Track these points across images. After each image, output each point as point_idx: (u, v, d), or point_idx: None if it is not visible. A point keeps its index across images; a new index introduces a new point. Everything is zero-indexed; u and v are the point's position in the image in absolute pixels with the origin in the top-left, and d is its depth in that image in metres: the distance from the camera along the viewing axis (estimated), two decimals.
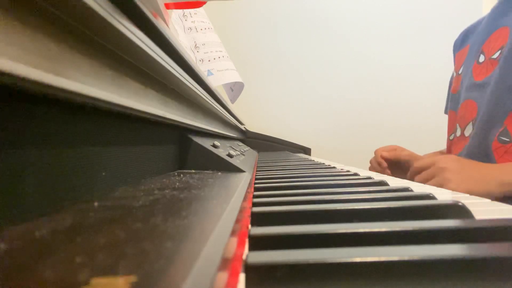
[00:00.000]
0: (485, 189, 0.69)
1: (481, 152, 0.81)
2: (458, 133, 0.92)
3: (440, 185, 0.70)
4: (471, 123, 0.87)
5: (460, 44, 1.03)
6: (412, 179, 0.78)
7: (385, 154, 1.04)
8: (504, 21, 0.83)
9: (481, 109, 0.82)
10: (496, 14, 0.87)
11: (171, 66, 0.31)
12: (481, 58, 0.87)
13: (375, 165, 1.07)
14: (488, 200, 0.35)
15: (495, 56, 0.82)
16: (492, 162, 0.79)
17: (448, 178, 0.70)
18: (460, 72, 0.98)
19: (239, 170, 0.47)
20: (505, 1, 0.85)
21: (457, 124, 0.93)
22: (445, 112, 1.11)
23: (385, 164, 1.04)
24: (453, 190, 0.69)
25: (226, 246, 0.15)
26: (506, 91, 0.77)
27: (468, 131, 0.87)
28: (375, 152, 1.08)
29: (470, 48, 0.94)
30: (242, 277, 0.16)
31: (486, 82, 0.83)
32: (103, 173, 0.26)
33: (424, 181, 0.74)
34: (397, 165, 1.05)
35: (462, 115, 0.90)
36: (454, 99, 0.98)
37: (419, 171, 0.77)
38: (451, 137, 0.98)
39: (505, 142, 0.77)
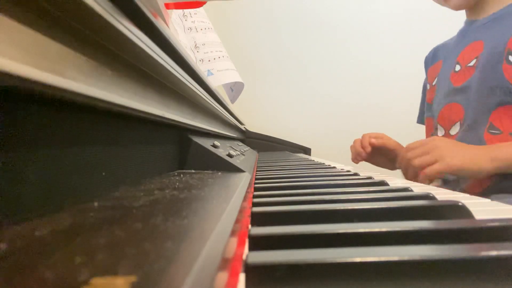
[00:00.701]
0: (477, 163, 0.74)
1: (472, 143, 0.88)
2: (440, 133, 0.99)
3: (435, 161, 0.75)
4: (458, 123, 0.94)
5: (431, 60, 1.16)
6: (403, 160, 0.83)
7: (374, 141, 1.09)
8: (476, 36, 0.95)
9: (468, 109, 0.90)
10: (465, 32, 1.01)
11: (171, 66, 0.31)
12: (457, 68, 0.98)
13: (359, 149, 1.10)
14: (488, 200, 0.35)
15: (471, 63, 0.93)
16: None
17: (442, 155, 0.75)
18: (434, 83, 1.09)
19: (239, 170, 0.47)
20: (470, 22, 1.00)
21: (438, 126, 1.00)
22: (419, 122, 1.22)
23: (369, 149, 1.09)
24: (447, 164, 0.74)
25: (226, 246, 0.15)
26: (488, 91, 0.85)
27: (455, 130, 0.95)
28: (363, 136, 1.11)
29: (444, 62, 1.06)
30: (242, 277, 0.16)
31: (466, 86, 0.92)
32: (103, 173, 0.26)
33: (418, 157, 0.78)
34: (381, 152, 1.10)
35: (447, 117, 0.97)
36: (430, 108, 1.08)
37: (413, 148, 0.81)
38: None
39: (496, 133, 0.84)
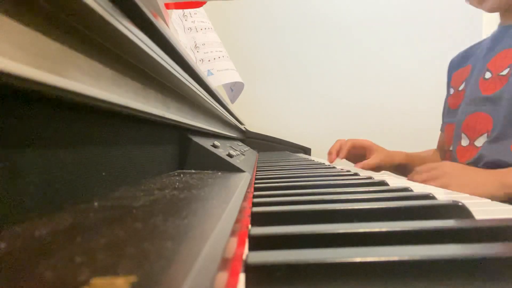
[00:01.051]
0: (487, 191, 0.71)
1: (497, 159, 0.84)
2: (465, 143, 0.95)
3: (441, 187, 0.71)
4: (485, 134, 0.90)
5: (457, 64, 1.09)
6: (412, 178, 0.80)
7: (349, 151, 1.06)
8: (511, 43, 0.90)
9: (498, 121, 0.87)
10: (498, 37, 0.95)
11: (171, 66, 0.31)
12: (487, 75, 0.92)
13: (337, 147, 1.08)
14: (488, 200, 0.35)
15: (503, 72, 0.88)
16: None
17: (451, 183, 0.72)
18: (460, 88, 1.04)
19: (239, 170, 0.47)
20: (504, 27, 0.94)
21: (463, 134, 0.96)
22: (442, 130, 1.16)
23: (343, 156, 1.06)
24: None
25: (226, 246, 0.15)
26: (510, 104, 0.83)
27: (480, 142, 0.91)
28: (342, 146, 1.08)
29: (473, 67, 1.00)
30: (242, 277, 0.16)
31: (497, 96, 0.88)
32: (103, 173, 0.26)
33: (424, 182, 0.75)
34: (356, 150, 1.08)
35: (472, 127, 0.93)
36: (453, 114, 1.03)
37: (421, 171, 0.79)
38: (452, 148, 1.01)
39: None
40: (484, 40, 1.03)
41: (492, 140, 0.86)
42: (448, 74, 1.14)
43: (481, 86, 0.94)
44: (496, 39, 0.97)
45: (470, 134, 0.94)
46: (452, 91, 1.09)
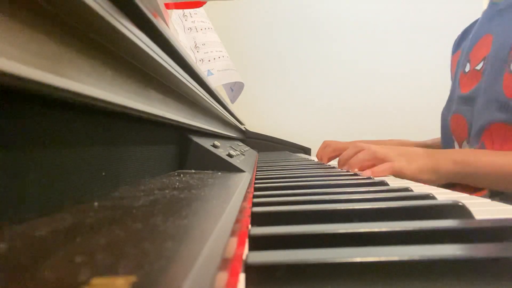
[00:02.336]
0: (436, 164, 0.64)
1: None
2: (457, 147, 0.85)
3: (392, 171, 0.63)
4: (465, 141, 0.80)
5: (456, 46, 0.97)
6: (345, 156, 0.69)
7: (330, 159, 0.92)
8: (488, 28, 0.78)
9: (471, 126, 0.76)
10: (484, 19, 0.81)
11: (171, 66, 0.31)
12: (467, 68, 0.81)
13: (320, 154, 0.94)
14: (488, 200, 0.35)
15: (478, 67, 0.77)
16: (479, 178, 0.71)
17: (397, 164, 0.63)
18: (452, 77, 0.94)
19: (239, 170, 0.47)
20: (492, 5, 0.79)
21: (453, 137, 0.86)
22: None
23: (327, 161, 0.93)
24: (406, 171, 0.61)
25: (226, 246, 0.15)
26: (486, 106, 0.72)
27: (466, 147, 0.81)
28: (324, 153, 0.93)
29: (461, 53, 0.89)
30: (242, 277, 0.16)
31: (471, 96, 0.77)
32: (103, 173, 0.26)
33: (364, 160, 0.65)
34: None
35: (456, 131, 0.83)
36: (449, 105, 0.92)
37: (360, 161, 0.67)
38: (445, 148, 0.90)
39: None
40: (478, 18, 0.87)
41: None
42: (451, 57, 0.99)
43: (461, 81, 0.82)
44: (483, 20, 0.82)
45: (457, 138, 0.84)
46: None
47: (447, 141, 0.88)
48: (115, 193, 0.26)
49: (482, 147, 0.71)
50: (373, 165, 0.64)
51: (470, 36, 0.85)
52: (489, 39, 0.76)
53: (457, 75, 0.85)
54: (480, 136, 0.72)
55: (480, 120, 0.72)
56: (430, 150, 0.69)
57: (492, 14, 0.78)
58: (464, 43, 0.90)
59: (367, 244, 0.20)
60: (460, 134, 0.81)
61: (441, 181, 0.65)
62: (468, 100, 0.78)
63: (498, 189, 0.67)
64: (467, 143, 0.78)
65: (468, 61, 0.81)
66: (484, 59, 0.76)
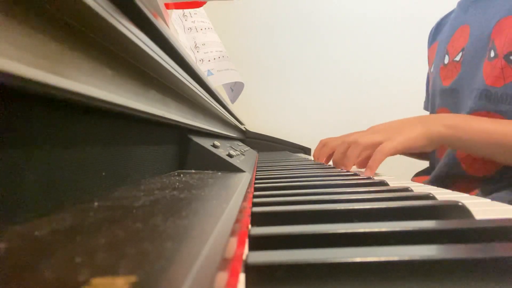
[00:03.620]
0: (427, 129, 0.63)
1: (450, 161, 0.75)
2: None
3: (383, 140, 0.62)
4: None
5: (432, 38, 0.96)
6: (343, 144, 0.69)
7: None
8: (465, 18, 0.77)
9: None
10: (460, 10, 0.81)
11: (171, 66, 0.31)
12: (446, 59, 0.81)
13: (316, 156, 0.91)
14: (488, 200, 0.35)
15: (457, 58, 0.77)
16: (460, 173, 0.72)
17: (388, 144, 0.61)
18: (432, 70, 0.93)
19: (239, 170, 0.47)
20: None
21: None
22: (426, 108, 1.05)
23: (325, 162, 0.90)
24: (398, 146, 0.61)
25: (226, 246, 0.15)
26: (468, 96, 0.72)
27: None
28: (321, 155, 0.90)
29: (439, 45, 0.88)
30: (242, 277, 0.16)
31: (453, 88, 0.78)
32: (103, 173, 0.26)
33: (363, 137, 0.64)
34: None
35: None
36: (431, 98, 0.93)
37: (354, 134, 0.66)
38: None
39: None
40: (454, 9, 0.87)
41: None
42: (428, 49, 1.00)
43: (441, 73, 0.82)
44: (459, 11, 0.81)
45: None
46: (429, 71, 0.96)
47: None
48: (115, 193, 0.26)
49: None
50: (367, 156, 0.63)
51: (446, 27, 0.85)
52: (466, 29, 0.76)
53: (437, 68, 0.85)
54: None
55: (464, 110, 0.72)
56: (422, 116, 0.69)
57: (466, 4, 0.78)
58: (440, 35, 0.89)
59: (367, 244, 0.20)
60: None
61: (433, 146, 0.65)
62: (451, 92, 0.78)
63: (486, 156, 0.66)
64: None
65: (447, 53, 0.81)
66: (462, 49, 0.76)
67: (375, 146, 0.62)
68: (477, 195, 0.64)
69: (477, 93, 0.69)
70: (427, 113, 1.01)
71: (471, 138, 0.62)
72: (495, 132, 0.61)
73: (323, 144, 0.87)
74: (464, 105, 0.73)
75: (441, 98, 0.83)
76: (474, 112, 0.70)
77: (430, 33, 0.99)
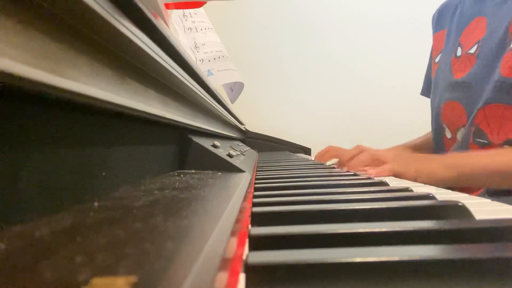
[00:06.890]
0: (430, 168, 0.63)
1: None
2: (449, 134, 0.84)
3: (393, 173, 0.61)
4: (462, 129, 0.78)
5: (436, 24, 0.93)
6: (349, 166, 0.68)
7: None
8: (481, 10, 0.75)
9: (471, 114, 0.75)
10: (475, 0, 0.79)
11: (171, 66, 0.31)
12: (459, 52, 0.79)
13: (317, 157, 0.90)
14: (488, 200, 0.35)
15: (472, 50, 0.76)
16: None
17: (399, 170, 0.62)
18: (437, 60, 0.90)
19: (239, 170, 0.47)
20: None
21: (444, 125, 0.85)
22: (423, 94, 1.03)
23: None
24: (406, 174, 0.60)
25: (226, 246, 0.15)
26: (482, 88, 0.71)
27: (461, 136, 0.80)
28: (322, 157, 0.88)
29: (447, 35, 0.85)
30: (242, 277, 0.16)
31: (466, 82, 0.76)
32: (103, 173, 0.26)
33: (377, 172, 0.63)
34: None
35: (450, 119, 0.82)
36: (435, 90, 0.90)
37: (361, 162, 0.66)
38: (436, 140, 0.90)
39: (483, 144, 0.71)
40: None
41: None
42: (433, 33, 0.96)
43: (453, 66, 0.80)
44: (472, 2, 0.79)
45: (450, 126, 0.82)
46: (432, 58, 0.93)
47: (438, 129, 0.88)
48: (115, 193, 0.26)
49: (477, 130, 0.71)
50: (375, 165, 0.64)
51: (455, 17, 0.83)
52: (482, 21, 0.75)
53: (448, 60, 0.83)
54: (474, 119, 0.72)
55: (477, 104, 0.72)
56: (424, 155, 0.70)
57: None
58: (447, 22, 0.87)
59: (367, 244, 0.20)
60: (456, 121, 0.80)
61: (439, 185, 0.65)
62: (463, 86, 0.77)
63: (492, 187, 0.68)
64: (464, 129, 0.77)
65: (460, 45, 0.80)
66: (478, 42, 0.75)
67: (385, 162, 0.63)
68: (479, 195, 0.66)
69: (493, 86, 0.68)
70: (424, 100, 0.98)
71: (473, 173, 0.63)
72: (492, 164, 0.63)
73: (327, 150, 0.86)
74: (478, 98, 0.72)
75: (450, 91, 0.81)
76: (486, 104, 0.69)
77: (434, 17, 0.96)
